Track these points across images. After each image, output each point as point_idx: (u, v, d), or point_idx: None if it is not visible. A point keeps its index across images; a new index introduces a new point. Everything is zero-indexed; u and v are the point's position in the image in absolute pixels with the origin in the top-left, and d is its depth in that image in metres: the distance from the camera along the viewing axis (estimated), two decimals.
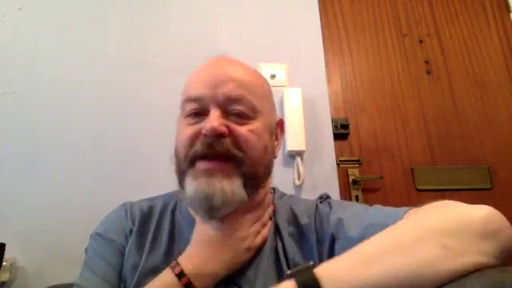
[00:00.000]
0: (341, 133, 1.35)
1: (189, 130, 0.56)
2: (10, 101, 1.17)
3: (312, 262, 0.38)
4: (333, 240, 0.55)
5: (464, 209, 0.41)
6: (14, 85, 1.19)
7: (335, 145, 1.30)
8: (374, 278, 0.36)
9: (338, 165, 1.30)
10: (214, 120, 0.53)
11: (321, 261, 0.53)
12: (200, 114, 0.57)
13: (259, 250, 0.58)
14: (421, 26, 1.57)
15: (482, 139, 1.44)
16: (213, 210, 0.53)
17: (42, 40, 1.25)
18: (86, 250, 0.63)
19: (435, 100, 1.47)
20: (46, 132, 1.16)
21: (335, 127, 1.34)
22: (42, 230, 1.06)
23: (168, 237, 0.61)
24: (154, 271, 0.55)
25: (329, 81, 1.40)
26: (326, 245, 0.56)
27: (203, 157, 0.54)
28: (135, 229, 0.61)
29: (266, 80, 0.66)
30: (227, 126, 0.54)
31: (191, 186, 0.54)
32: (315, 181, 1.23)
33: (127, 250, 0.60)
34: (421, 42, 1.54)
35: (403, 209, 0.51)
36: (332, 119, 1.33)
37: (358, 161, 1.35)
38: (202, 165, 0.54)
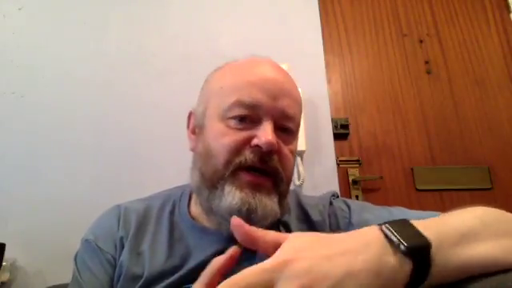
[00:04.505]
0: (341, 133, 1.35)
1: (235, 135, 0.53)
2: (10, 101, 1.17)
3: (428, 242, 0.33)
4: None
5: None
6: (14, 85, 1.19)
7: (335, 145, 1.30)
8: (475, 260, 0.35)
9: (338, 165, 1.30)
10: (270, 134, 0.51)
11: None
12: (246, 119, 0.53)
13: None
14: (421, 25, 1.57)
15: (482, 139, 1.44)
16: (250, 224, 0.52)
17: (42, 40, 1.25)
18: (75, 257, 0.60)
19: (435, 100, 1.47)
20: (45, 132, 1.16)
21: (335, 127, 1.34)
22: (41, 230, 1.07)
23: (167, 241, 0.58)
24: (156, 279, 0.53)
25: (329, 81, 1.40)
26: None
27: (249, 168, 0.52)
28: (130, 237, 0.58)
29: None
30: (277, 143, 0.52)
31: (235, 196, 0.51)
32: (315, 181, 1.23)
33: (120, 260, 0.56)
34: (421, 41, 1.54)
35: (431, 213, 0.50)
36: (332, 119, 1.33)
37: (358, 161, 1.35)
38: (248, 176, 0.52)
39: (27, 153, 1.13)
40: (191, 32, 1.33)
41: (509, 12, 1.63)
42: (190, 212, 0.61)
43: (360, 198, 1.30)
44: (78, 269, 0.58)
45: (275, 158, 0.52)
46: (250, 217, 0.50)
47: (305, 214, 0.60)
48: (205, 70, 0.65)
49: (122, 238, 0.58)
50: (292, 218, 0.59)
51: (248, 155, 0.51)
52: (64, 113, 1.19)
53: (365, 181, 1.33)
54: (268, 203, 0.51)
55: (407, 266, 0.32)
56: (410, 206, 0.56)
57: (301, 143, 1.21)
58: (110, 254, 0.57)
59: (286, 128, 0.55)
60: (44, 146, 1.14)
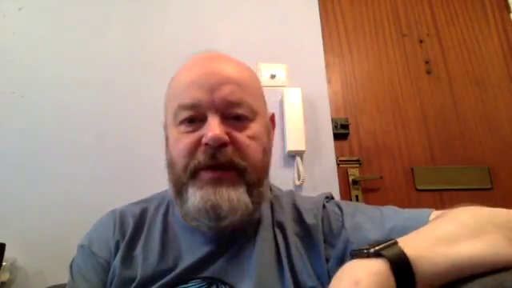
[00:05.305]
0: (341, 133, 1.35)
1: (186, 140, 0.52)
2: (10, 101, 1.17)
3: (394, 240, 0.38)
4: (347, 244, 0.54)
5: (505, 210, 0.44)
6: (14, 85, 1.19)
7: (335, 145, 1.30)
8: (458, 259, 0.37)
9: (338, 165, 1.30)
10: (215, 128, 0.50)
11: (328, 263, 0.54)
12: (195, 119, 0.53)
13: (255, 246, 0.55)
14: (421, 25, 1.57)
15: (482, 139, 1.44)
16: (219, 220, 0.51)
17: (42, 40, 1.25)
18: (71, 264, 0.60)
19: (435, 100, 1.47)
20: (45, 132, 1.16)
21: (335, 127, 1.34)
22: (41, 230, 1.07)
23: (160, 242, 0.57)
24: (149, 280, 0.53)
25: (329, 81, 1.40)
26: (339, 248, 0.54)
27: (206, 167, 0.51)
28: (126, 240, 0.58)
29: (256, 75, 0.63)
30: (228, 134, 0.51)
31: (196, 196, 0.51)
32: (315, 181, 1.23)
33: (114, 264, 0.56)
34: (421, 41, 1.54)
35: (424, 210, 0.51)
36: (332, 119, 1.33)
37: (358, 161, 1.35)
38: (206, 175, 0.51)
39: (27, 153, 1.13)
40: (191, 32, 1.33)
41: (509, 12, 1.63)
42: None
43: (360, 197, 1.30)
44: (72, 275, 0.59)
45: (228, 149, 0.51)
46: (217, 213, 0.50)
47: (299, 216, 0.59)
48: None
49: (118, 242, 0.58)
50: (288, 220, 0.59)
51: (200, 156, 0.51)
52: (64, 113, 1.19)
53: (365, 181, 1.33)
54: (233, 195, 0.50)
55: (381, 264, 0.35)
56: (410, 206, 0.56)
57: (301, 143, 1.22)
58: (104, 258, 0.57)
59: (237, 115, 0.53)
60: (44, 146, 1.14)
